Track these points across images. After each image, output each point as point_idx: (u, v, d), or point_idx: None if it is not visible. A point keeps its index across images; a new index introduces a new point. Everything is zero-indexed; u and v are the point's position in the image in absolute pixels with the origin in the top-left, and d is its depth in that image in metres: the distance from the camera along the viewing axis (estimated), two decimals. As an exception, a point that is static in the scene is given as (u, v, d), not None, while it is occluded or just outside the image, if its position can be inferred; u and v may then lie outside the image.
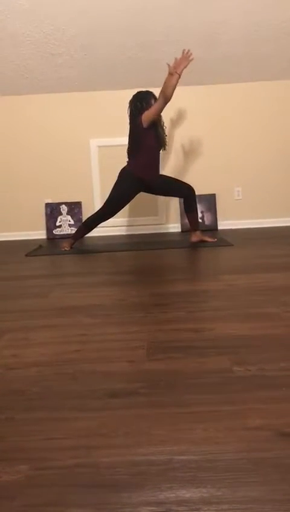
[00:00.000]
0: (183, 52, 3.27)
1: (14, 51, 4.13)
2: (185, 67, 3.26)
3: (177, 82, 3.27)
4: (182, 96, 4.61)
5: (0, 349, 1.55)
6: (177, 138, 4.66)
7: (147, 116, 3.42)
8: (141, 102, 3.49)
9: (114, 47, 4.13)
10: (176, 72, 3.24)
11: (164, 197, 4.37)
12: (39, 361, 1.42)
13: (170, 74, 3.25)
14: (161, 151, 3.68)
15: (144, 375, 1.27)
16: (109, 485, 0.83)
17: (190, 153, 4.71)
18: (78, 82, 4.51)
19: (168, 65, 3.28)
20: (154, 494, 0.79)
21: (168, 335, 1.59)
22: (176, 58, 3.27)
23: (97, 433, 0.99)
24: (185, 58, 3.25)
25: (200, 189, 4.61)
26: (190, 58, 3.26)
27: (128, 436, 0.97)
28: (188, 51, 3.26)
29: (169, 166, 4.64)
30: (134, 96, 3.57)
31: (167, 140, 3.65)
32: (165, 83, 3.29)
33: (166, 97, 3.29)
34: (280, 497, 0.77)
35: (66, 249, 3.74)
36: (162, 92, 3.30)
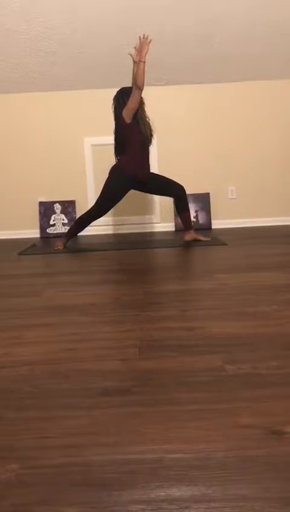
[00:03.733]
0: (140, 38, 3.31)
1: (7, 48, 4.11)
2: (147, 52, 3.29)
3: (144, 68, 3.30)
4: (176, 95, 4.61)
5: (-8, 348, 1.54)
6: (171, 137, 4.66)
7: (127, 111, 3.44)
8: (123, 98, 3.49)
9: (108, 45, 4.12)
10: (140, 60, 3.28)
11: (158, 196, 4.36)
12: (31, 360, 1.41)
13: (135, 63, 3.30)
14: (149, 147, 3.66)
15: (136, 373, 1.27)
16: (100, 483, 0.82)
17: (184, 151, 4.71)
18: (72, 80, 4.50)
19: (131, 55, 3.34)
20: (145, 493, 0.79)
21: (160, 333, 1.59)
22: (135, 48, 3.32)
23: (88, 432, 0.99)
24: (145, 43, 3.29)
25: (194, 188, 4.62)
26: (148, 41, 3.29)
27: (120, 434, 0.97)
28: (144, 34, 3.30)
29: (163, 165, 4.64)
30: (118, 92, 3.57)
31: (153, 134, 3.62)
32: (133, 73, 3.34)
33: (138, 86, 3.32)
34: (271, 495, 0.78)
35: (59, 247, 3.74)
36: (133, 83, 3.35)
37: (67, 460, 0.90)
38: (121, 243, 4.02)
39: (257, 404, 1.08)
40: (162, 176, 3.78)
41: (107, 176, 3.64)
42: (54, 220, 4.74)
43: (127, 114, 3.44)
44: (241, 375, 1.23)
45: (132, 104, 3.39)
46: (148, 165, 3.66)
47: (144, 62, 3.29)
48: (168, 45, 4.12)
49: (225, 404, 1.08)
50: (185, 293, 2.16)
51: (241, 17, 3.91)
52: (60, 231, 4.66)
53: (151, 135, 3.59)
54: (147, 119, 3.55)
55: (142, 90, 3.35)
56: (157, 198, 4.66)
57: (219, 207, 4.78)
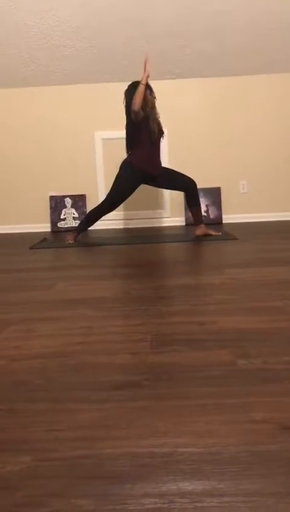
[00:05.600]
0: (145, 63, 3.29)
1: (19, 42, 4.11)
2: (146, 72, 3.28)
3: (141, 91, 3.28)
4: (187, 89, 4.58)
5: (4, 341, 1.55)
6: (182, 131, 4.63)
7: (132, 113, 3.40)
8: (132, 94, 3.44)
9: (119, 39, 4.10)
10: (140, 82, 3.28)
11: (168, 190, 4.34)
12: (42, 353, 1.42)
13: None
14: (160, 142, 3.63)
15: (147, 367, 1.27)
16: (112, 476, 0.82)
17: (195, 146, 4.68)
18: (83, 74, 4.49)
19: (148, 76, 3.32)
20: (156, 486, 0.79)
21: (171, 328, 1.59)
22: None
23: (100, 425, 0.99)
24: (145, 62, 3.28)
25: (205, 182, 4.59)
26: (144, 59, 3.28)
27: (131, 428, 0.97)
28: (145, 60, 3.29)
29: (174, 159, 4.62)
30: (129, 86, 3.52)
31: (162, 129, 3.58)
32: None
33: (132, 107, 3.31)
34: (283, 490, 0.77)
35: (69, 241, 3.74)
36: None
37: (79, 453, 0.90)
38: (131, 237, 4.01)
39: (268, 399, 1.07)
40: (173, 170, 3.75)
41: (117, 170, 3.64)
42: (64, 214, 4.75)
43: (134, 115, 3.41)
44: (253, 370, 1.23)
45: (132, 114, 3.38)
46: (159, 159, 3.65)
47: (143, 85, 3.28)
48: (180, 38, 4.08)
49: (236, 399, 1.07)
50: (196, 288, 2.15)
51: (252, 9, 3.85)
52: (71, 225, 4.67)
53: (161, 131, 3.56)
54: (157, 115, 3.51)
55: (136, 112, 3.32)
56: (167, 192, 4.64)
57: (229, 201, 4.75)
